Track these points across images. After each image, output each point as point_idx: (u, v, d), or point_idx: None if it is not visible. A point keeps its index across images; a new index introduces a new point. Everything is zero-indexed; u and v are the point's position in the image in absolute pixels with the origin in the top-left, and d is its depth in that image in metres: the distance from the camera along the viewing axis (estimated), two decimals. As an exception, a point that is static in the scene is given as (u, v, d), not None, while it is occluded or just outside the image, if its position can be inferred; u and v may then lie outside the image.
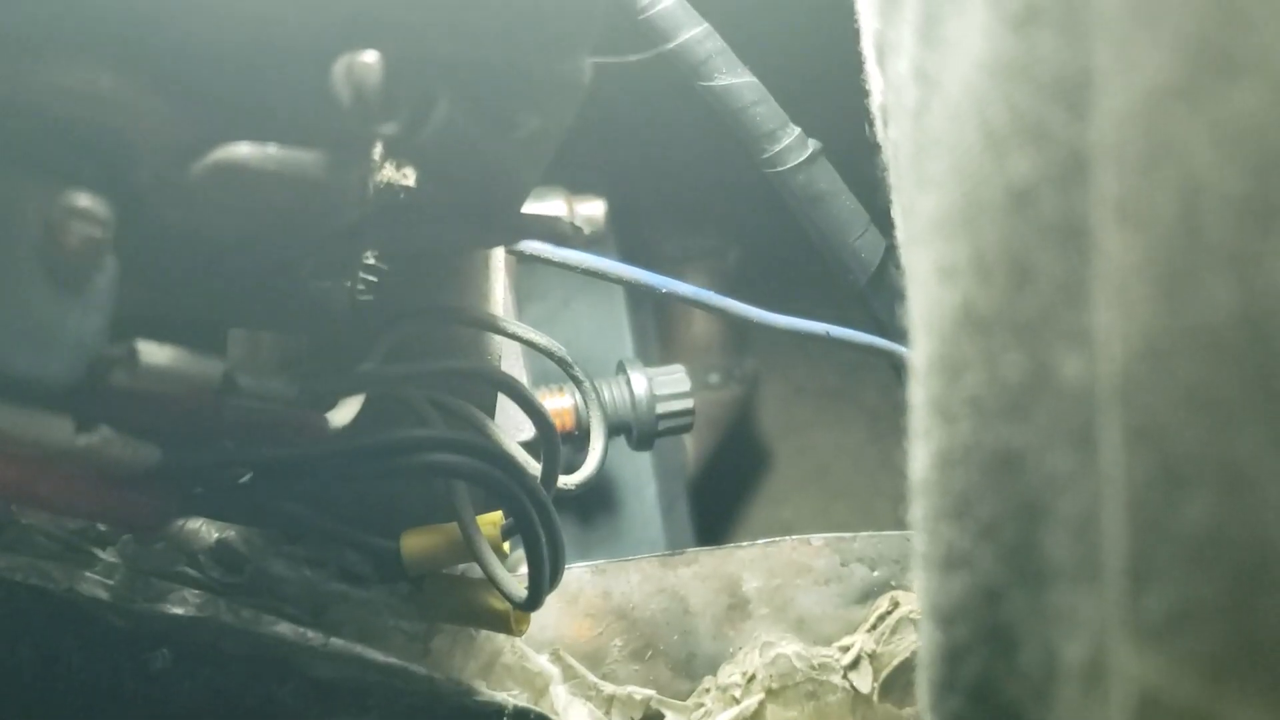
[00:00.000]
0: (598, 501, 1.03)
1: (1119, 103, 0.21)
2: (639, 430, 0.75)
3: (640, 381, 0.75)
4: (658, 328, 1.21)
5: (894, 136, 0.33)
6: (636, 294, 0.93)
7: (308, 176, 0.34)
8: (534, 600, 0.49)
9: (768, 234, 1.11)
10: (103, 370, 0.34)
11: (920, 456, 0.30)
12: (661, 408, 0.75)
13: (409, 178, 0.39)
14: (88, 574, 0.53)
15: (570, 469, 0.58)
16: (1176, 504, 0.20)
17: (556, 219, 0.41)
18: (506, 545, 0.55)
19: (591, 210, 0.89)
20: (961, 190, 0.26)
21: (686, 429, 0.77)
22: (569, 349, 1.02)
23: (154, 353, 0.34)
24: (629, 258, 1.07)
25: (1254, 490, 0.20)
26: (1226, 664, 0.20)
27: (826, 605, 0.67)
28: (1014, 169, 0.24)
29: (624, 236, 1.08)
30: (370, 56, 0.33)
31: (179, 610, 0.54)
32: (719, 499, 1.28)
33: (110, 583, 0.53)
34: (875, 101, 0.42)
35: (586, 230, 0.88)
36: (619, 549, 0.99)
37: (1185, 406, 0.20)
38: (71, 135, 0.34)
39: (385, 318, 0.48)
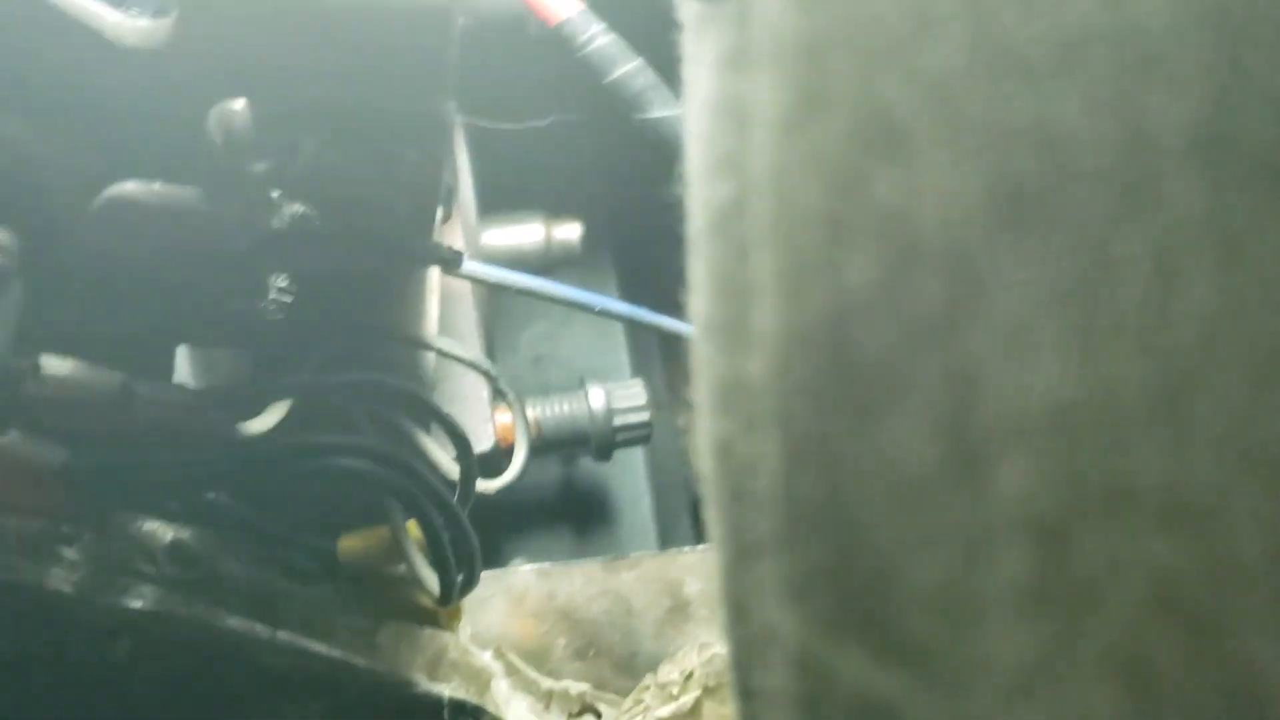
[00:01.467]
0: (594, 514, 1.06)
1: (758, 135, 0.25)
2: (597, 441, 0.79)
3: (598, 396, 0.79)
4: (660, 341, 1.24)
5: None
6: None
7: (188, 208, 0.39)
8: (446, 595, 0.53)
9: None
10: (12, 380, 0.39)
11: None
12: (619, 420, 0.79)
13: (298, 208, 0.43)
14: (54, 570, 0.58)
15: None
16: (801, 480, 0.24)
17: (439, 246, 0.46)
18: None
19: (567, 233, 0.94)
20: (695, 215, 0.30)
21: (644, 440, 0.81)
22: (571, 363, 1.06)
23: (56, 365, 0.39)
24: (629, 278, 1.11)
25: (841, 464, 0.23)
26: (837, 619, 0.24)
27: (763, 608, 0.71)
28: (716, 195, 0.28)
29: (624, 258, 1.11)
30: (239, 104, 0.38)
31: (138, 604, 0.59)
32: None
33: (74, 578, 0.58)
34: None
35: (559, 252, 0.93)
36: (611, 546, 1.03)
37: (800, 396, 0.24)
38: (-16, 175, 0.39)
39: (306, 334, 0.52)
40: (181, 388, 0.44)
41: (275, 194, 0.42)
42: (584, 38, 0.67)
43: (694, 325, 0.32)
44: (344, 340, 0.55)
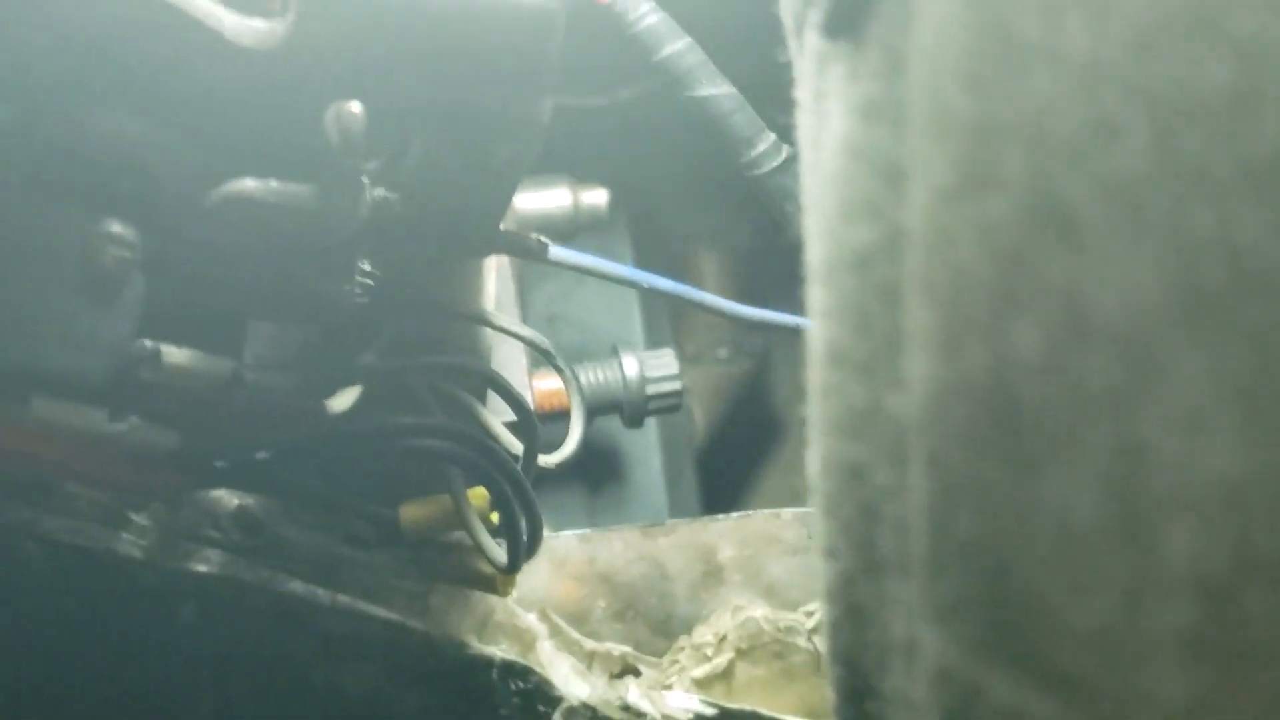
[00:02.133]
0: (605, 472, 1.08)
1: (919, 195, 0.27)
2: (629, 409, 0.81)
3: (632, 364, 0.81)
4: (670, 306, 1.26)
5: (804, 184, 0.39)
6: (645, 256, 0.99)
7: (303, 205, 0.41)
8: (512, 565, 0.56)
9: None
10: (131, 368, 0.40)
11: (809, 463, 0.36)
12: (651, 389, 0.81)
13: (394, 199, 0.45)
14: (123, 535, 0.60)
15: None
16: (954, 517, 0.26)
17: (525, 235, 0.47)
18: (495, 515, 0.62)
19: (595, 198, 0.95)
20: (826, 247, 0.32)
21: (675, 409, 0.83)
22: (582, 325, 1.07)
23: (174, 353, 0.41)
24: (637, 236, 1.13)
25: (999, 508, 0.25)
26: (990, 645, 0.26)
27: (795, 574, 0.73)
28: (858, 236, 0.30)
29: (633, 216, 1.13)
30: (355, 106, 0.40)
31: (204, 568, 0.61)
32: (729, 469, 1.34)
33: (143, 543, 0.60)
34: None
35: (586, 217, 0.94)
36: (624, 517, 1.05)
37: (960, 441, 0.26)
38: (105, 170, 0.40)
39: (382, 313, 0.54)
40: (283, 373, 0.45)
41: (379, 190, 0.43)
42: (634, 15, 0.68)
43: (817, 348, 0.34)
44: (412, 318, 0.56)
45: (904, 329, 0.28)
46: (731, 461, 1.33)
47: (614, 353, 0.83)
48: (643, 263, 0.99)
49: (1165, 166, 0.22)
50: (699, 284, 1.26)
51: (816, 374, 0.34)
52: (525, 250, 0.48)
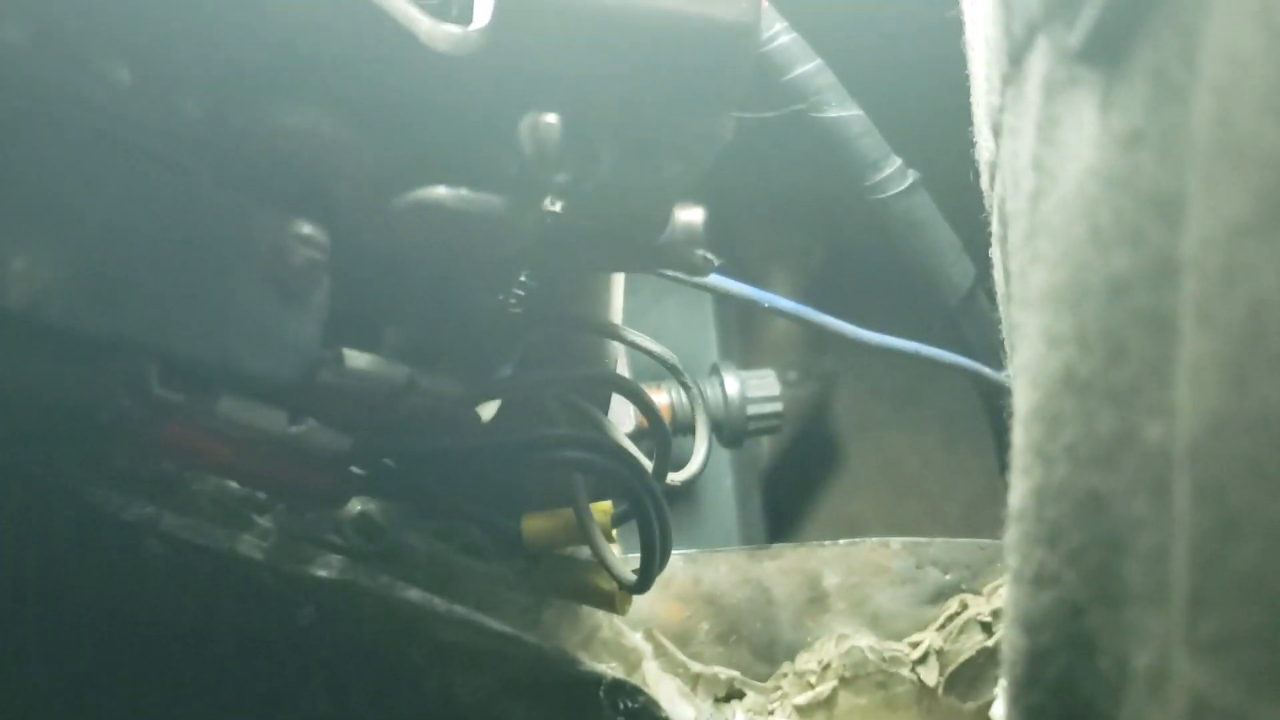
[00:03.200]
0: (677, 491, 1.07)
1: (1206, 226, 0.26)
2: (730, 429, 0.80)
3: (733, 384, 0.80)
4: (740, 324, 1.26)
5: (1010, 210, 0.38)
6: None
7: (492, 215, 0.40)
8: (644, 583, 0.55)
9: (852, 237, 1.16)
10: (313, 370, 0.40)
11: (1019, 489, 0.35)
12: (752, 409, 0.80)
13: (558, 206, 0.44)
14: (246, 536, 0.60)
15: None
16: (1230, 550, 0.25)
17: (691, 250, 0.47)
18: (615, 532, 0.61)
19: (691, 216, 0.94)
20: (1069, 272, 0.31)
21: (775, 430, 0.83)
22: (660, 338, 1.07)
23: (355, 357, 0.41)
24: (714, 252, 1.12)
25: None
26: (1265, 678, 0.25)
27: (900, 604, 0.73)
28: (1115, 263, 0.29)
29: (710, 232, 1.13)
30: (552, 117, 0.39)
31: (324, 573, 0.60)
32: (792, 491, 1.33)
33: (264, 545, 0.60)
34: (983, 157, 0.47)
35: (684, 236, 0.94)
36: (696, 536, 1.05)
37: (1242, 474, 0.25)
38: (294, 169, 0.40)
39: (520, 323, 0.53)
40: (451, 382, 0.45)
41: (557, 202, 0.43)
42: (767, 34, 0.68)
43: (1049, 373, 0.33)
44: (546, 330, 0.56)
45: (1175, 358, 0.27)
46: (793, 483, 1.32)
47: (714, 371, 0.82)
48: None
49: None
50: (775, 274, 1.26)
51: (1042, 402, 0.33)
52: (690, 266, 0.47)
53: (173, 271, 0.37)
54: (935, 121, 0.65)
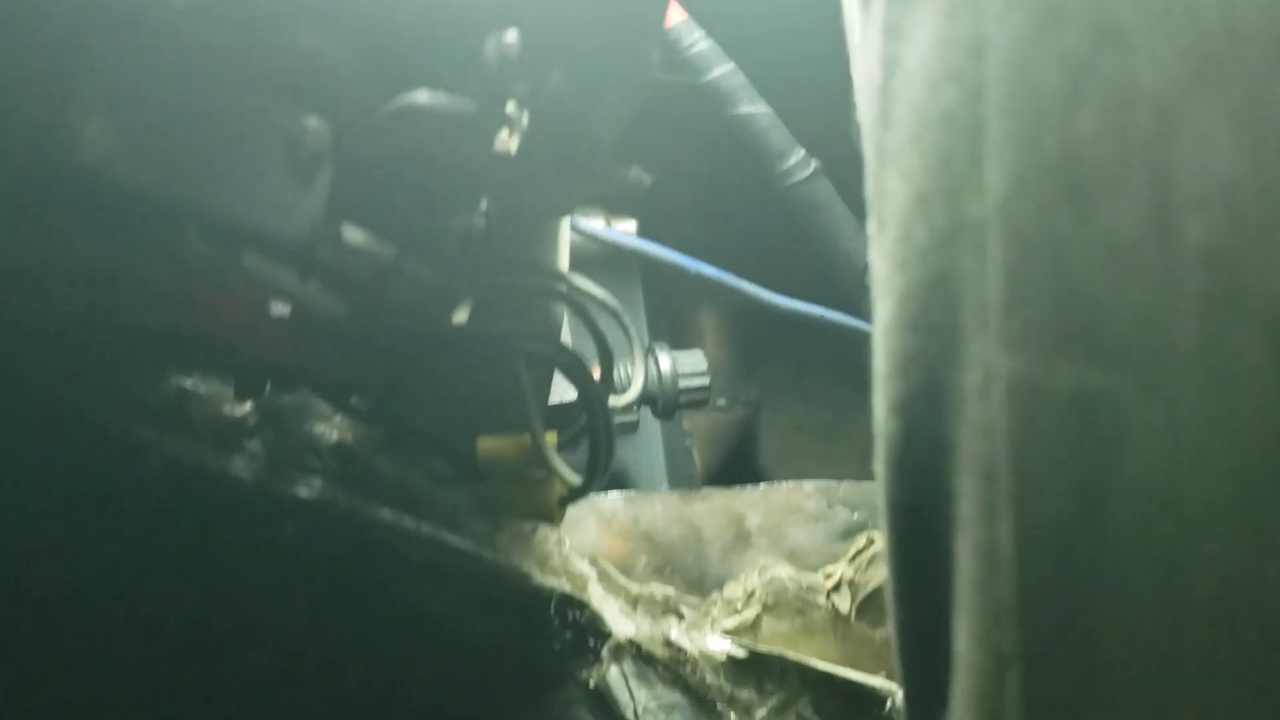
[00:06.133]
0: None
1: (999, 50, 0.36)
2: (663, 401, 0.89)
3: (666, 360, 0.90)
4: (670, 340, 1.34)
5: (865, 113, 0.48)
6: (651, 296, 1.08)
7: (466, 115, 0.50)
8: (589, 483, 0.64)
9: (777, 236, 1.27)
10: (317, 234, 0.49)
11: (882, 306, 0.44)
12: (683, 383, 0.90)
13: (513, 144, 0.54)
14: (236, 459, 0.68)
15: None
16: (1026, 262, 0.35)
17: (625, 170, 0.57)
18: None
19: (625, 228, 1.05)
20: (914, 121, 0.40)
21: (704, 404, 0.92)
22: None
23: (351, 231, 0.50)
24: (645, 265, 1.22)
25: (1065, 244, 0.34)
26: (1052, 344, 0.35)
27: (815, 539, 0.82)
28: (944, 98, 0.39)
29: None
30: (512, 35, 0.49)
31: (305, 493, 0.68)
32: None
33: (253, 468, 0.68)
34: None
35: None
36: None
37: (1030, 206, 0.35)
38: (304, 77, 0.50)
39: (484, 268, 0.63)
40: (434, 274, 0.54)
41: (521, 114, 0.52)
42: (687, 41, 0.79)
43: (899, 199, 0.43)
44: (510, 277, 0.65)
45: (985, 146, 0.37)
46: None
47: (650, 350, 0.92)
48: (649, 291, 1.09)
49: None
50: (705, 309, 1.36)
51: (897, 225, 0.43)
52: (627, 184, 0.57)
53: (209, 152, 0.46)
54: (836, 113, 0.76)
